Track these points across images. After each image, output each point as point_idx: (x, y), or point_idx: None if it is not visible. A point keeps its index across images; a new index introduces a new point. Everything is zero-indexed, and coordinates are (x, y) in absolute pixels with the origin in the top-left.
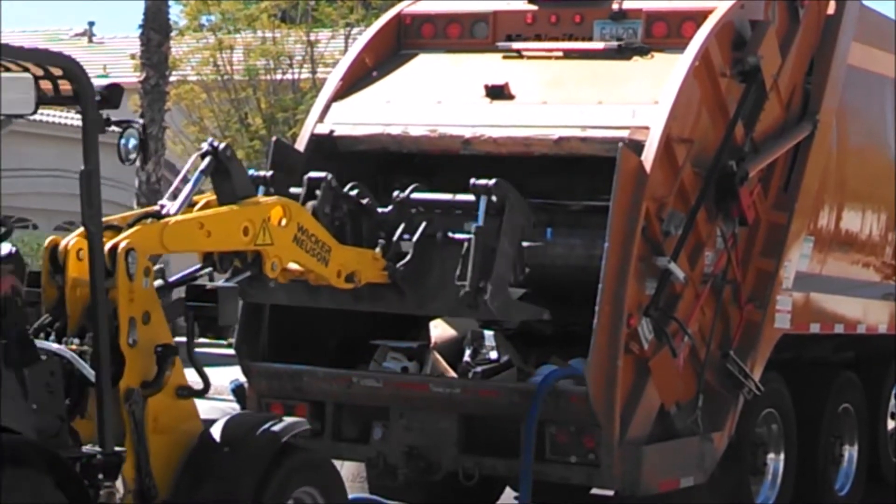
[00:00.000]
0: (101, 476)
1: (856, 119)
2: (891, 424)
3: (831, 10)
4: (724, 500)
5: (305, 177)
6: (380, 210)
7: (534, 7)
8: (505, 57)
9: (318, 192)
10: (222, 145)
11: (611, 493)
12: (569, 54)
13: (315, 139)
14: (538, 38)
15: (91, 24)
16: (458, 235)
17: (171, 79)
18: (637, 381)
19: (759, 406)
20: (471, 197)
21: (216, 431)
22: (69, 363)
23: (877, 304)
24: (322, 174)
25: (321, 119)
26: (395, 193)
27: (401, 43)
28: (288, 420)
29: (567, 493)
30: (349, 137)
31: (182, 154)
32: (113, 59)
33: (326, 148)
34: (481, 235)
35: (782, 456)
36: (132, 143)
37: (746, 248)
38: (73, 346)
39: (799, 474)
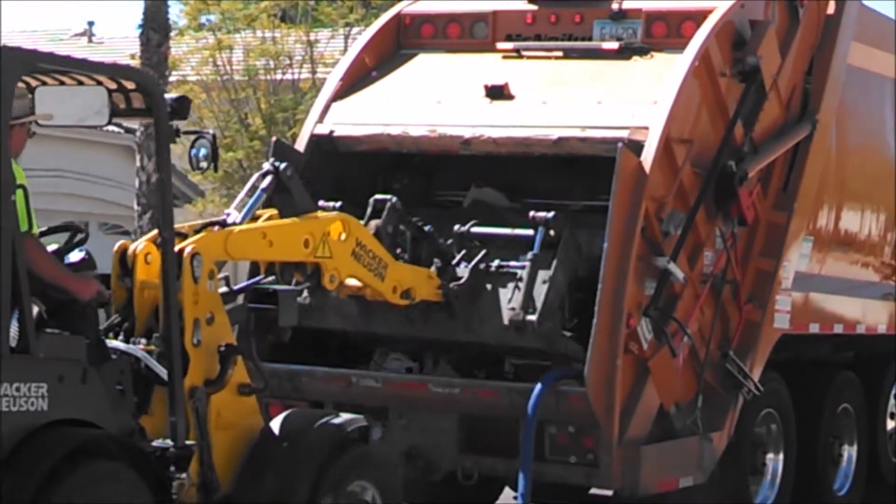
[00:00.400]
0: (172, 469)
1: (855, 119)
2: (890, 424)
3: (831, 9)
4: (723, 500)
5: (371, 198)
6: (440, 240)
7: (533, 7)
8: (504, 57)
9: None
10: (283, 165)
11: (610, 493)
12: (568, 54)
13: (315, 139)
14: (538, 37)
15: (91, 23)
16: (511, 263)
17: (171, 79)
18: (636, 381)
19: (758, 406)
20: (528, 232)
21: (276, 427)
22: (136, 361)
23: (876, 303)
24: (387, 196)
25: (321, 119)
26: (456, 227)
27: (400, 43)
28: (346, 416)
29: (566, 493)
30: (349, 137)
31: (182, 154)
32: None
33: (326, 148)
34: (536, 263)
35: (781, 456)
36: (202, 152)
37: (746, 248)
38: (141, 346)
39: (798, 474)
